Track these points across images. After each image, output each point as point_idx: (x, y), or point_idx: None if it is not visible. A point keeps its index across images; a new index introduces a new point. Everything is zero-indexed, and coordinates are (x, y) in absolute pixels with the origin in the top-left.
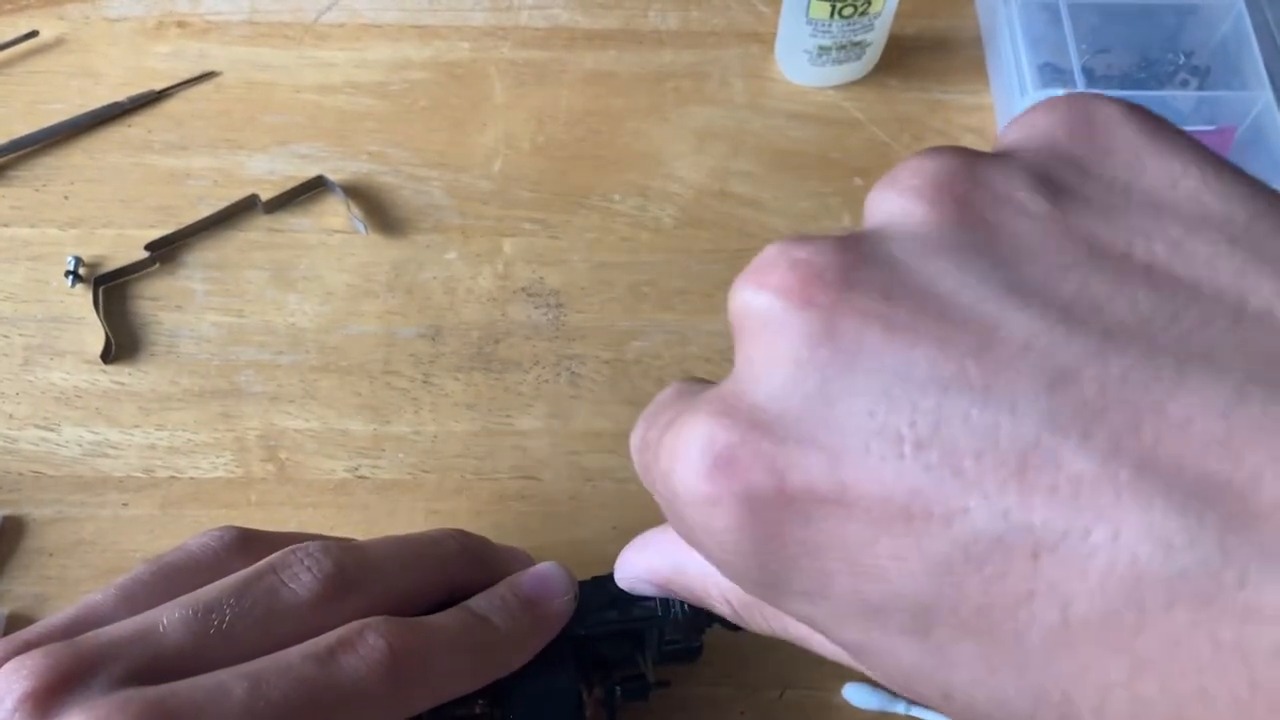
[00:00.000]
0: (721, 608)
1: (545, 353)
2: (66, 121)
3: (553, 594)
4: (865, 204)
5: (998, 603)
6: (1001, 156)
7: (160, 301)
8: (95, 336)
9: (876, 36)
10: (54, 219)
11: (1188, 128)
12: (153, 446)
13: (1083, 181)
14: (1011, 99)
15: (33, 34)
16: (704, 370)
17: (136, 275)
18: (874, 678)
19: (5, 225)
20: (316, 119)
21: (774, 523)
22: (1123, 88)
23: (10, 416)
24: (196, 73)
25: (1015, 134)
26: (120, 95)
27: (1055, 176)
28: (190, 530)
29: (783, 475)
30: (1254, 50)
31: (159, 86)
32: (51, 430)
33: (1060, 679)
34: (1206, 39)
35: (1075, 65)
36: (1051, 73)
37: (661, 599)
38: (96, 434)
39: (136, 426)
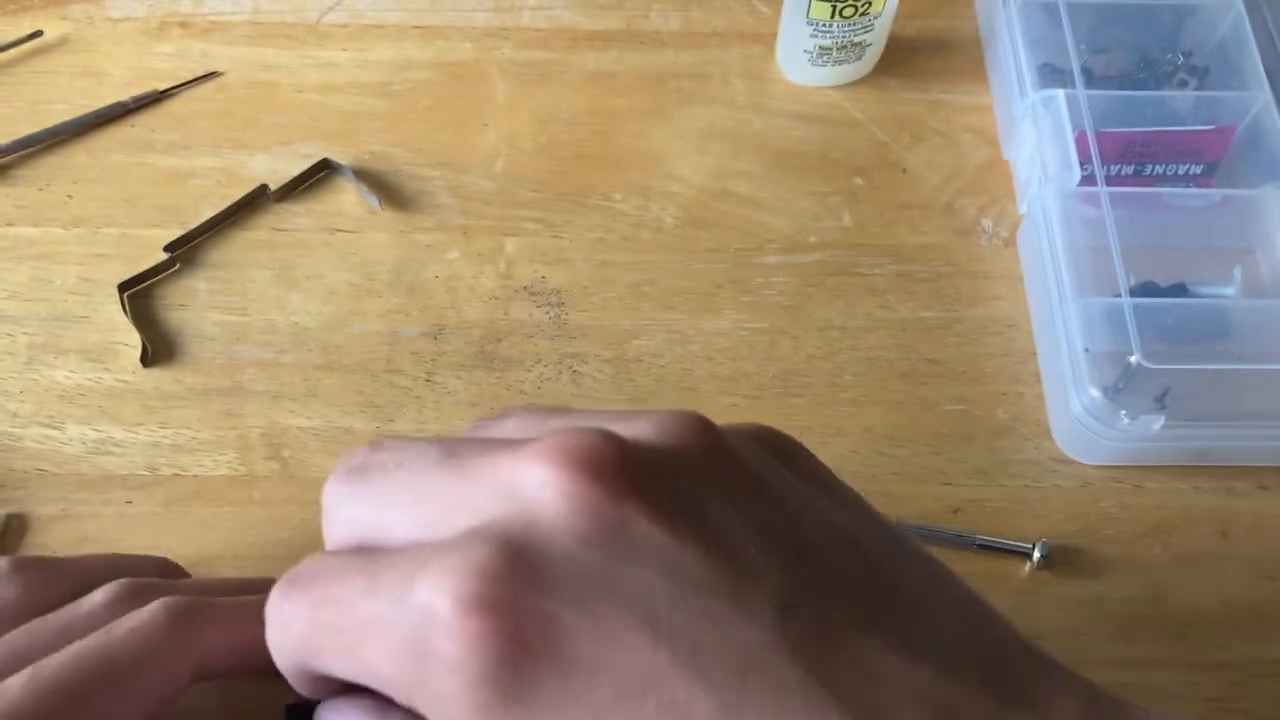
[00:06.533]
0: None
1: (547, 351)
2: (70, 121)
3: None
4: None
5: None
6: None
7: (164, 300)
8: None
9: (876, 37)
10: (57, 218)
11: (1186, 127)
12: (156, 445)
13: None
14: (1011, 99)
15: (36, 34)
16: (704, 369)
17: (160, 278)
18: None
19: (9, 224)
20: (319, 119)
21: (532, 674)
22: (1122, 87)
23: (14, 415)
24: (199, 73)
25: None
26: (123, 95)
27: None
28: (194, 528)
29: (558, 633)
30: (1253, 50)
31: (162, 86)
32: (55, 428)
33: None
34: (1205, 39)
35: (1074, 65)
36: (1051, 73)
37: None
38: (100, 432)
39: (140, 425)
